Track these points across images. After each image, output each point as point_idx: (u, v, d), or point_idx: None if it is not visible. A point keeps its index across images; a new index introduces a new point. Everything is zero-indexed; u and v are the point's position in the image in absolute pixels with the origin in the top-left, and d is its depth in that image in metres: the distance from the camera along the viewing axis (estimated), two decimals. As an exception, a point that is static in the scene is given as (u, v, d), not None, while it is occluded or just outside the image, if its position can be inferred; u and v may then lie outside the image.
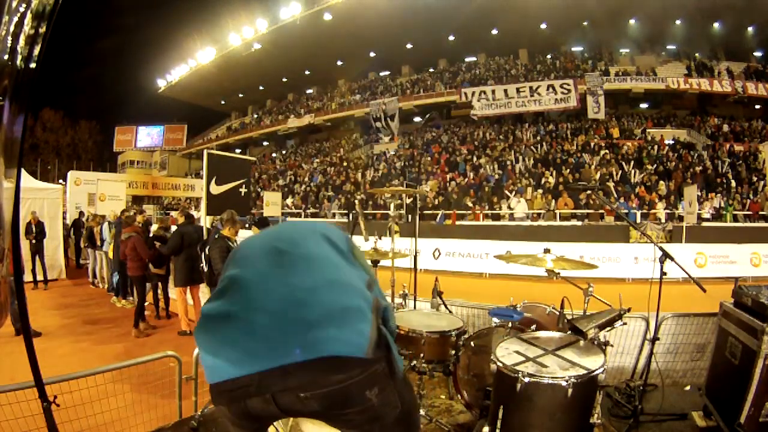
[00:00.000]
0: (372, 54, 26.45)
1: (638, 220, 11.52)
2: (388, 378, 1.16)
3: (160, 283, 6.41)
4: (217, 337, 1.15)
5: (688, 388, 3.16)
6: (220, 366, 1.12)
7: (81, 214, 10.94)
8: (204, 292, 5.71)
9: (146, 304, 6.60)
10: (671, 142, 17.33)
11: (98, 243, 8.31)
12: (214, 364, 1.13)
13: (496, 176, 15.74)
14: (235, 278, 1.22)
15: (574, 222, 11.95)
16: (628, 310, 2.51)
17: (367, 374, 1.11)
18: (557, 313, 2.58)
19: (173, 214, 20.78)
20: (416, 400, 1.56)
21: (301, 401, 1.11)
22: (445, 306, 3.32)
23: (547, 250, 2.63)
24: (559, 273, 2.59)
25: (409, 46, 25.11)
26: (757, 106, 19.24)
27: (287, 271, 1.21)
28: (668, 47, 21.76)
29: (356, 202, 13.41)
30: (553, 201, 12.87)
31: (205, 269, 4.87)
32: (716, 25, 19.54)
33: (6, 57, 1.25)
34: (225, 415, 1.20)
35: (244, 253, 1.35)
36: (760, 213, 12.07)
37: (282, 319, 1.12)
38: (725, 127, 18.05)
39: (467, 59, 26.07)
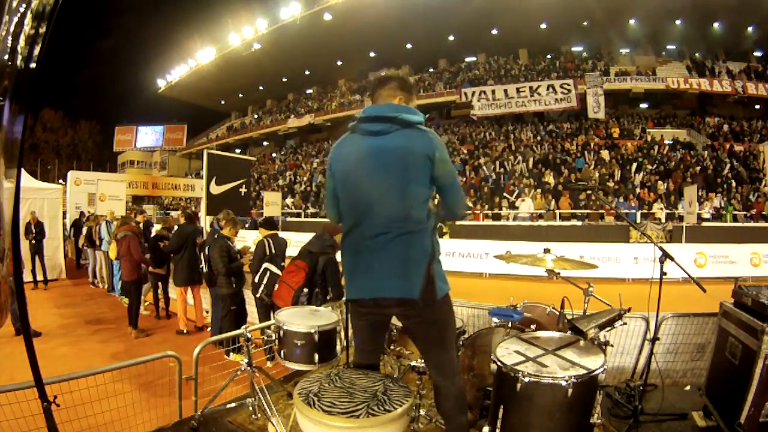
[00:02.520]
0: (372, 54, 26.44)
1: (638, 220, 11.52)
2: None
3: (160, 283, 6.40)
4: None
5: (688, 388, 3.16)
6: None
7: (81, 214, 10.95)
8: (204, 291, 5.71)
9: (146, 304, 6.63)
10: (671, 142, 17.33)
11: (97, 243, 8.31)
12: None
13: (493, 176, 15.74)
14: None
15: (574, 222, 11.95)
16: (628, 310, 2.51)
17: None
18: (557, 313, 2.58)
19: (173, 214, 20.82)
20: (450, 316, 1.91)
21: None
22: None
23: (547, 250, 2.63)
24: (559, 273, 2.59)
25: (409, 46, 25.11)
26: (757, 106, 19.24)
27: None
28: (668, 47, 21.77)
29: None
30: (553, 201, 12.88)
31: (205, 269, 4.87)
32: (716, 25, 19.53)
33: (6, 57, 1.25)
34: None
35: None
36: (761, 213, 12.07)
37: None
38: (725, 127, 18.05)
39: (467, 59, 26.08)
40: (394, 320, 2.34)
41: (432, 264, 1.74)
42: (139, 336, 5.45)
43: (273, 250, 4.32)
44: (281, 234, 5.00)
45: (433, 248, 1.77)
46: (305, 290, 3.65)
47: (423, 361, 2.40)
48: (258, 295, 4.26)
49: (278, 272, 4.12)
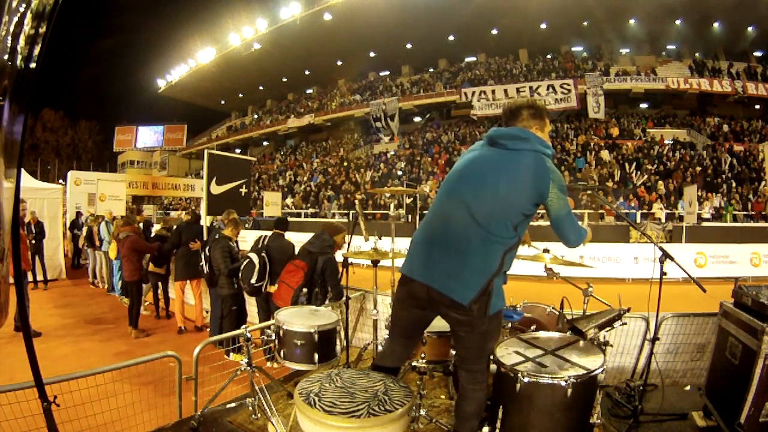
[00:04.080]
0: (372, 54, 26.44)
1: (638, 220, 11.52)
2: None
3: (160, 283, 6.40)
4: None
5: (688, 388, 3.16)
6: None
7: (78, 214, 10.94)
8: (205, 291, 5.71)
9: (146, 304, 6.63)
10: (671, 142, 17.34)
11: (97, 243, 8.31)
12: None
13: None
14: None
15: (574, 222, 11.93)
16: (628, 310, 2.51)
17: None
18: (557, 313, 2.58)
19: (173, 214, 20.83)
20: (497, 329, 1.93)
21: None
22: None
23: (546, 250, 2.63)
24: (558, 273, 2.59)
25: (409, 46, 25.10)
26: (757, 106, 19.24)
27: None
28: (668, 47, 21.76)
29: (356, 202, 13.41)
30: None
31: (206, 269, 4.87)
32: (716, 25, 19.53)
33: (6, 57, 1.25)
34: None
35: None
36: (762, 213, 12.07)
37: None
38: (725, 127, 18.05)
39: (467, 59, 26.06)
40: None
41: (493, 279, 1.73)
42: (139, 336, 5.46)
43: (263, 243, 4.35)
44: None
45: (502, 266, 1.76)
46: (304, 290, 3.65)
47: (431, 361, 2.41)
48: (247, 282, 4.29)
49: (255, 260, 4.14)
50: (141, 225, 6.99)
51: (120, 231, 5.83)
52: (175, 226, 6.14)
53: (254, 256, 4.17)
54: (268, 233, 4.51)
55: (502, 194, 1.74)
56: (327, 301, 3.76)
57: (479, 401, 1.89)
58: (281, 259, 4.18)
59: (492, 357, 1.85)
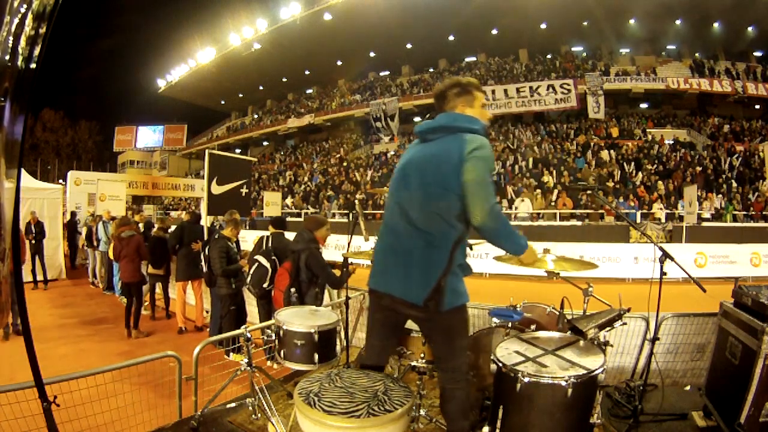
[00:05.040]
0: (372, 54, 26.42)
1: (638, 220, 11.52)
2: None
3: (159, 284, 6.38)
4: None
5: (688, 388, 3.16)
6: None
7: (73, 214, 10.89)
8: (206, 291, 5.71)
9: (146, 304, 6.62)
10: (671, 142, 17.33)
11: (95, 243, 8.32)
12: None
13: (497, 177, 15.73)
14: None
15: (574, 222, 11.95)
16: (628, 310, 2.51)
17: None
18: (557, 313, 2.58)
19: (173, 214, 20.82)
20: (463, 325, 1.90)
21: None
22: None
23: (546, 250, 2.63)
24: (558, 273, 2.59)
25: (409, 46, 25.09)
26: (757, 106, 19.22)
27: None
28: (668, 47, 21.75)
29: (356, 202, 13.41)
30: (553, 201, 12.88)
31: (205, 269, 4.88)
32: (716, 25, 19.52)
33: (7, 57, 1.26)
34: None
35: None
36: (762, 213, 12.06)
37: None
38: (725, 127, 18.04)
39: (467, 59, 26.05)
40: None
41: (445, 276, 1.73)
42: (138, 336, 5.45)
43: (269, 245, 4.34)
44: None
45: (451, 262, 1.74)
46: (293, 290, 3.65)
47: (430, 361, 2.41)
48: (246, 286, 4.28)
49: (267, 264, 4.12)
50: (140, 225, 6.99)
51: (121, 230, 5.79)
52: (173, 227, 6.13)
53: (264, 260, 4.14)
54: (267, 233, 4.51)
55: (431, 192, 1.74)
56: (328, 300, 3.76)
57: (460, 400, 1.88)
58: (285, 259, 4.19)
59: (492, 357, 1.86)
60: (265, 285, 4.08)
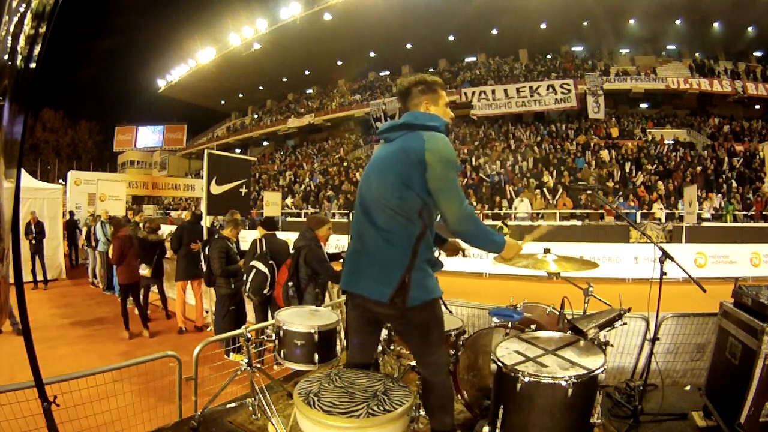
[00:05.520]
0: (372, 54, 26.43)
1: (638, 220, 11.52)
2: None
3: (151, 286, 6.31)
4: None
5: (688, 388, 3.16)
6: None
7: (71, 214, 10.90)
8: (207, 291, 5.71)
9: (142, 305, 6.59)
10: (671, 142, 17.33)
11: (93, 243, 8.33)
12: None
13: (497, 178, 15.74)
14: None
15: (574, 222, 11.95)
16: (628, 310, 2.51)
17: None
18: (557, 313, 2.58)
19: (173, 214, 20.81)
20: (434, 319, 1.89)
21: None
22: (445, 306, 3.31)
23: (547, 250, 2.63)
24: (559, 273, 2.59)
25: (409, 46, 25.09)
26: (757, 106, 19.22)
27: None
28: (668, 47, 21.76)
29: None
30: (552, 200, 12.87)
31: (204, 269, 4.88)
32: (716, 25, 19.53)
33: (6, 57, 1.25)
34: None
35: None
36: (762, 213, 12.06)
37: None
38: (725, 127, 18.04)
39: (467, 59, 26.05)
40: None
41: (409, 273, 1.73)
42: (134, 337, 5.39)
43: (263, 249, 4.34)
44: (281, 234, 5.00)
45: (414, 258, 1.75)
46: (290, 284, 3.70)
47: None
48: (246, 294, 4.28)
49: (265, 270, 4.13)
50: (142, 225, 6.96)
51: (119, 232, 5.76)
52: (164, 227, 6.08)
53: (261, 266, 4.14)
54: (257, 236, 4.52)
55: (390, 190, 1.74)
56: (328, 300, 3.77)
57: (441, 393, 1.89)
58: (281, 260, 4.21)
59: (492, 357, 1.85)
60: (265, 291, 4.09)
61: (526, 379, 1.69)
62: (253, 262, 4.19)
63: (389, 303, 1.73)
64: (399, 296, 1.72)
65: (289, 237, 4.70)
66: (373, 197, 1.82)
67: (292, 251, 3.82)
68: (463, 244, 2.08)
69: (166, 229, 8.87)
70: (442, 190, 1.71)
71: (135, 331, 5.54)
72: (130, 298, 5.75)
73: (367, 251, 1.82)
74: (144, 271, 5.85)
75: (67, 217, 10.82)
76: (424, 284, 1.77)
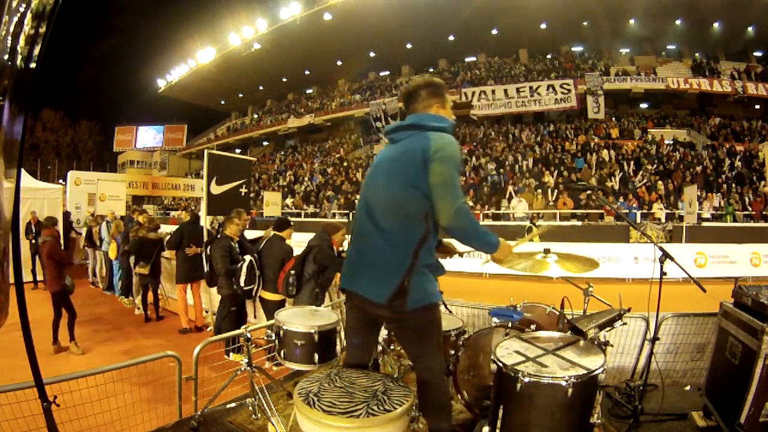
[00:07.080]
0: (372, 54, 26.43)
1: (638, 220, 11.52)
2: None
3: (150, 286, 6.30)
4: None
5: (688, 388, 3.16)
6: None
7: (66, 214, 10.78)
8: (206, 291, 5.71)
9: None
10: (671, 142, 17.32)
11: (97, 243, 8.32)
12: None
13: (497, 177, 15.74)
14: None
15: (574, 222, 11.95)
16: (628, 310, 2.51)
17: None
18: (557, 313, 2.58)
19: (173, 214, 20.79)
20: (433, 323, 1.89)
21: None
22: (445, 306, 3.32)
23: (547, 250, 2.63)
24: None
25: (409, 46, 25.09)
26: (757, 106, 19.21)
27: None
28: (668, 47, 21.76)
29: (356, 202, 13.42)
30: (553, 201, 12.88)
31: (207, 269, 4.88)
32: (716, 25, 19.52)
33: (6, 57, 1.25)
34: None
35: None
36: (762, 213, 12.06)
37: None
38: (725, 128, 18.04)
39: (467, 59, 26.05)
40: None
41: (409, 276, 1.72)
42: (60, 350, 4.78)
43: (261, 246, 4.49)
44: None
45: (415, 261, 1.74)
46: (292, 272, 3.81)
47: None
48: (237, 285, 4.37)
49: (246, 261, 4.27)
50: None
51: (42, 235, 5.16)
52: (164, 227, 6.09)
53: (248, 258, 4.28)
54: (262, 234, 4.62)
55: (395, 192, 1.75)
56: (327, 300, 3.79)
57: (435, 401, 1.88)
58: (272, 264, 4.28)
59: (492, 357, 1.85)
60: (241, 282, 4.23)
61: (526, 379, 1.69)
62: (247, 256, 4.32)
63: (388, 305, 1.73)
64: (398, 298, 1.72)
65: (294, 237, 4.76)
66: (379, 198, 1.82)
67: (300, 251, 3.95)
68: (457, 245, 2.06)
69: (166, 229, 8.86)
70: (439, 184, 1.69)
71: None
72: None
73: (368, 252, 1.82)
74: (142, 269, 5.87)
75: (73, 216, 10.79)
76: (423, 288, 1.77)
